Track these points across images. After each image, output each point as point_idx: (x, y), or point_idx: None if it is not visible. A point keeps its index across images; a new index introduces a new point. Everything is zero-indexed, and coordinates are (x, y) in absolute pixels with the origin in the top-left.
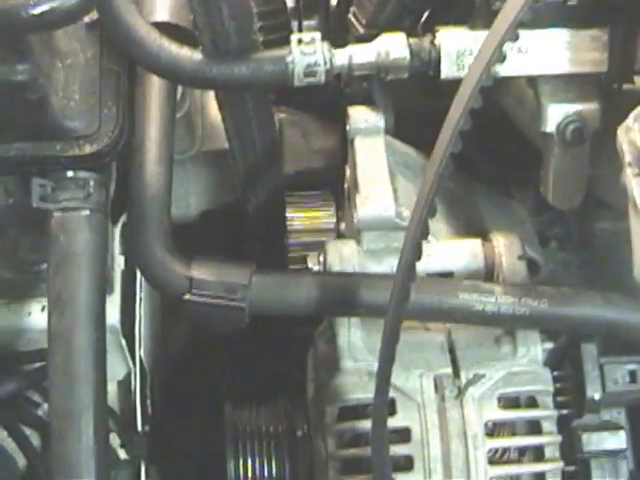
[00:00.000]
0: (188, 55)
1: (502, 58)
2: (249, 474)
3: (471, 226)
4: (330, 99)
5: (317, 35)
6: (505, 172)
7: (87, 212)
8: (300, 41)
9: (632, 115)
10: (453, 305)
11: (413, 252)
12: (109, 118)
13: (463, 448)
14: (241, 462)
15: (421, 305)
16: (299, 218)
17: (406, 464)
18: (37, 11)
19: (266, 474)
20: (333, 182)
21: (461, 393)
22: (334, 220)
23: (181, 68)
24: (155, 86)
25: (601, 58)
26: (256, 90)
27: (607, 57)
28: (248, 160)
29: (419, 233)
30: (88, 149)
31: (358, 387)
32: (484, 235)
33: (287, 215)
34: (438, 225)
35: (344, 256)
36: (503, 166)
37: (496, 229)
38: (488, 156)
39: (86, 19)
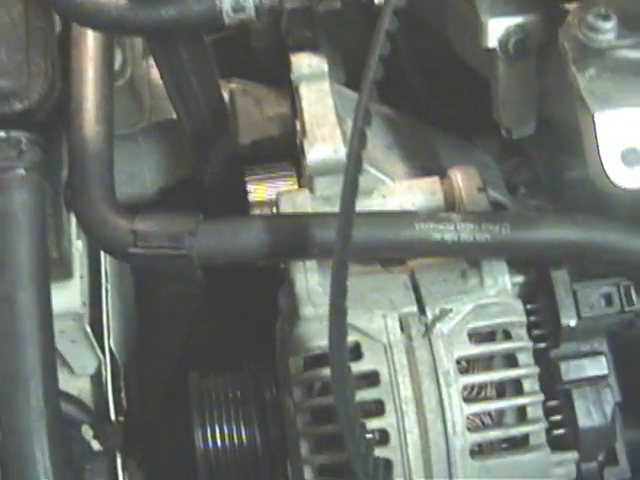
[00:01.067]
0: (113, 1)
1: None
2: (218, 443)
3: (429, 168)
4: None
5: None
6: (466, 118)
7: (22, 171)
8: None
9: (572, 12)
10: (410, 237)
11: (354, 168)
12: (38, 75)
13: (435, 387)
14: (209, 431)
15: (375, 239)
16: (260, 190)
17: (377, 408)
18: None
19: (236, 441)
20: (293, 150)
21: (428, 330)
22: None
23: (106, 14)
24: (90, 47)
25: None
26: (186, 32)
27: None
28: (195, 123)
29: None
30: (18, 106)
31: (320, 334)
32: (443, 174)
33: (248, 188)
34: (394, 168)
35: (297, 204)
36: (463, 112)
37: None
38: (447, 102)
39: None
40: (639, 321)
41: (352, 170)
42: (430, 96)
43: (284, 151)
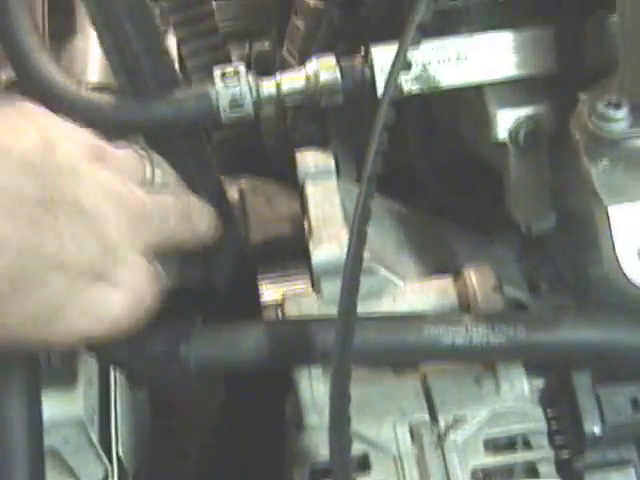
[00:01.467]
0: (107, 100)
1: (407, 67)
2: None
3: (443, 267)
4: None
5: (241, 66)
6: (483, 214)
7: None
8: (223, 74)
9: (581, 101)
10: (418, 341)
11: (353, 265)
12: None
13: None
14: None
15: (381, 344)
16: (271, 290)
17: None
18: None
19: None
20: (305, 249)
21: (441, 440)
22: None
23: (100, 114)
24: None
25: (547, 59)
26: (182, 129)
27: (554, 57)
28: None
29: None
30: None
31: (326, 445)
32: (457, 272)
33: (260, 290)
34: (406, 267)
35: (303, 307)
36: (481, 207)
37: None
38: (463, 197)
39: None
40: None
41: (351, 268)
42: (446, 192)
43: (296, 250)
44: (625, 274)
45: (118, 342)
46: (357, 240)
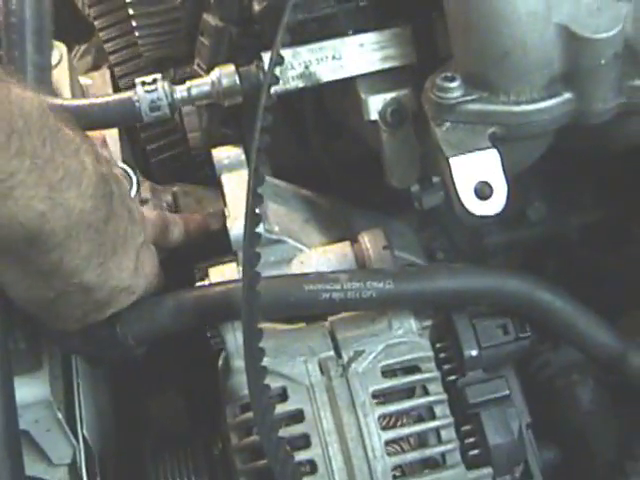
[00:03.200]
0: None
1: (275, 79)
2: None
3: (344, 237)
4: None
5: (158, 76)
6: (383, 197)
7: None
8: (143, 82)
9: (428, 80)
10: (300, 298)
11: (250, 228)
12: None
13: (354, 418)
14: None
15: (270, 302)
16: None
17: (304, 443)
18: None
19: None
20: None
21: (345, 370)
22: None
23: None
24: None
25: (407, 52)
26: (109, 127)
27: (412, 50)
28: None
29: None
30: None
31: None
32: (354, 239)
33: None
34: (311, 238)
35: (226, 275)
36: (377, 191)
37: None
38: (364, 185)
39: None
40: (552, 359)
41: (250, 229)
42: (344, 178)
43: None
44: (466, 208)
45: (71, 335)
46: (252, 201)
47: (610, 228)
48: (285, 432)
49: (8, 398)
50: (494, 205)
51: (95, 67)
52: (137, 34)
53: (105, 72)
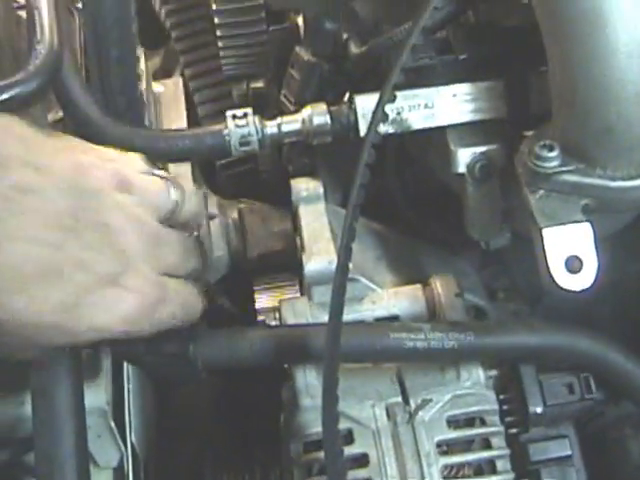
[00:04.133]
0: (138, 131)
1: (385, 117)
2: None
3: (414, 277)
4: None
5: (249, 110)
6: (449, 234)
7: None
8: (234, 116)
9: (523, 143)
10: (385, 345)
11: (341, 278)
12: None
13: (418, 467)
14: None
15: (356, 348)
16: (265, 298)
17: None
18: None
19: None
20: (294, 262)
21: (412, 418)
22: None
23: (133, 144)
24: None
25: (499, 106)
26: (199, 160)
27: (504, 104)
28: None
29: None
30: None
31: (317, 421)
32: (425, 281)
33: (255, 296)
34: (383, 277)
35: (297, 310)
36: (447, 229)
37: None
38: (432, 220)
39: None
40: (607, 410)
41: (340, 279)
42: (416, 216)
43: (287, 263)
44: (555, 281)
45: (137, 342)
46: (344, 255)
47: None
48: (349, 475)
49: (79, 403)
50: (583, 280)
51: (163, 71)
52: (221, 54)
53: (178, 81)
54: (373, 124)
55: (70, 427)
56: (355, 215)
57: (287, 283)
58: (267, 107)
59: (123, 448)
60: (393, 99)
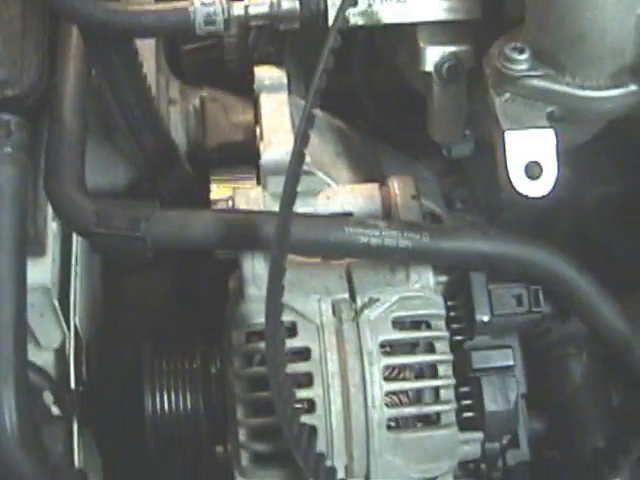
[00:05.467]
0: (101, 4)
1: (355, 3)
2: (165, 408)
3: (373, 177)
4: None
5: None
6: (412, 136)
7: (9, 149)
8: None
9: (494, 44)
10: (339, 238)
11: (295, 166)
12: (30, 67)
13: (359, 364)
14: (157, 397)
15: (309, 239)
16: (221, 188)
17: (307, 381)
18: None
19: (181, 407)
20: (255, 155)
21: (357, 315)
22: None
23: (93, 16)
24: (74, 43)
25: (473, 7)
26: (161, 37)
27: (479, 6)
28: (135, 136)
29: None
30: (10, 93)
31: (262, 312)
32: (383, 181)
33: (211, 187)
34: (340, 173)
35: (251, 199)
36: (410, 130)
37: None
38: (395, 120)
39: None
40: (554, 328)
41: (294, 167)
42: (381, 115)
43: (247, 155)
44: (513, 186)
45: (87, 213)
46: (301, 141)
47: (627, 203)
48: (289, 369)
49: (21, 281)
50: (542, 187)
51: None
52: None
53: None
54: (342, 9)
55: (10, 300)
56: (315, 102)
57: (245, 176)
58: None
59: (66, 329)
60: (355, 3)
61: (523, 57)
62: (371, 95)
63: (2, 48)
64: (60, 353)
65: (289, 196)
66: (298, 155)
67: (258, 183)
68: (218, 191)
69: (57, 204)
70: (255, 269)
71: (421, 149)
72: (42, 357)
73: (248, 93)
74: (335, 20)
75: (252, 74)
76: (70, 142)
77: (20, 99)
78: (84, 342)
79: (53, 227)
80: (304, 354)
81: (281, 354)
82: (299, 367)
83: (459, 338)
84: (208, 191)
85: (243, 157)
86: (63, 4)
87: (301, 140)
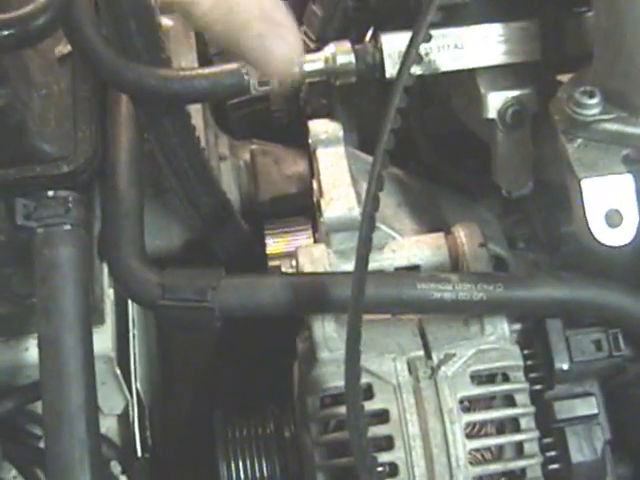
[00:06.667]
0: (152, 71)
1: (419, 59)
2: (241, 477)
3: (435, 225)
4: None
5: None
6: (469, 178)
7: (68, 227)
8: None
9: (561, 88)
10: (412, 296)
11: (367, 230)
12: (83, 140)
13: (440, 424)
14: (232, 465)
15: (381, 298)
16: (277, 242)
17: (387, 444)
18: (5, 32)
19: (258, 475)
20: (309, 206)
21: (434, 373)
22: (311, 241)
23: (145, 84)
24: (125, 111)
25: (532, 48)
26: (216, 100)
27: (538, 46)
28: (189, 194)
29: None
30: (65, 169)
31: (336, 376)
32: (447, 230)
33: (266, 241)
34: (404, 224)
35: (315, 257)
36: (467, 173)
37: (458, 223)
38: (452, 163)
39: (57, 53)
40: (630, 366)
41: (365, 231)
42: (437, 159)
43: (301, 207)
44: (594, 236)
45: (152, 286)
46: (371, 206)
47: None
48: (369, 432)
49: (89, 362)
50: (623, 235)
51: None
52: None
53: None
54: (406, 66)
55: (79, 379)
56: (384, 163)
57: (299, 228)
58: None
59: (128, 395)
60: (428, 39)
61: (594, 101)
62: (427, 139)
63: (55, 122)
64: (123, 419)
65: (361, 262)
66: (369, 219)
67: (313, 235)
68: (274, 245)
69: (120, 277)
70: (326, 331)
71: (479, 190)
72: (105, 424)
73: (296, 143)
74: (399, 77)
75: (301, 125)
76: (128, 212)
77: (76, 175)
78: (146, 405)
79: (110, 294)
80: (383, 416)
81: (362, 419)
82: (379, 430)
83: (538, 387)
84: (263, 245)
85: (297, 209)
86: (114, 74)
87: (372, 204)
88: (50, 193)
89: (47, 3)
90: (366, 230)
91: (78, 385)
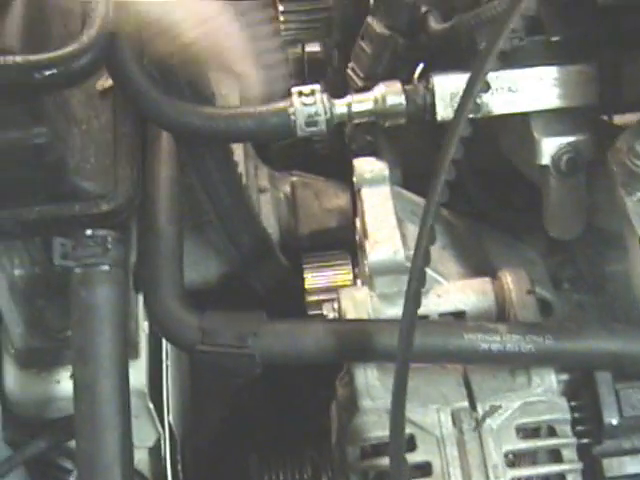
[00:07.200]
0: (196, 110)
1: (477, 108)
2: None
3: (481, 268)
4: (339, 160)
5: (316, 86)
6: (515, 218)
7: (106, 267)
8: (300, 93)
9: (620, 138)
10: (459, 346)
11: (416, 285)
12: (124, 178)
13: (484, 479)
14: None
15: (428, 348)
16: (316, 277)
17: None
18: (48, 72)
19: None
20: (349, 241)
21: (479, 425)
22: (351, 277)
23: (188, 122)
24: (164, 147)
25: (589, 92)
26: (261, 141)
27: (595, 90)
28: (229, 231)
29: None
30: (105, 208)
31: (377, 425)
32: (493, 274)
33: (305, 275)
34: (448, 268)
35: (358, 301)
36: (512, 212)
37: (505, 268)
38: (497, 203)
39: (99, 87)
40: None
41: (414, 286)
42: (484, 198)
43: (340, 241)
44: None
45: (191, 330)
46: (421, 259)
47: None
48: None
49: (125, 396)
50: None
51: None
52: (281, 18)
53: None
54: (462, 115)
55: (114, 427)
56: (436, 215)
57: (339, 262)
58: (322, 74)
59: (160, 429)
60: (486, 89)
61: None
62: (473, 179)
63: (94, 159)
64: (155, 452)
65: (409, 317)
66: (419, 274)
67: (352, 270)
68: (313, 280)
69: (158, 319)
70: (368, 380)
71: (525, 229)
72: (136, 457)
73: (337, 175)
74: (454, 127)
75: (342, 158)
76: (168, 252)
77: (116, 214)
78: (178, 439)
79: (145, 327)
80: (425, 469)
81: (405, 472)
82: None
83: (585, 441)
84: (302, 279)
85: (336, 243)
86: (156, 111)
87: (422, 258)
88: (88, 232)
89: (92, 41)
90: (416, 286)
91: (113, 434)
